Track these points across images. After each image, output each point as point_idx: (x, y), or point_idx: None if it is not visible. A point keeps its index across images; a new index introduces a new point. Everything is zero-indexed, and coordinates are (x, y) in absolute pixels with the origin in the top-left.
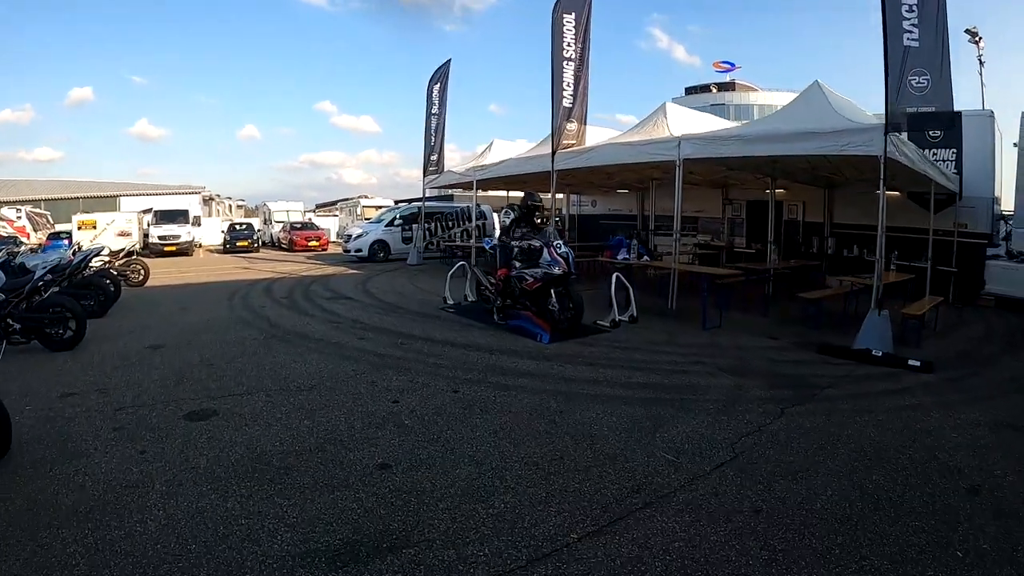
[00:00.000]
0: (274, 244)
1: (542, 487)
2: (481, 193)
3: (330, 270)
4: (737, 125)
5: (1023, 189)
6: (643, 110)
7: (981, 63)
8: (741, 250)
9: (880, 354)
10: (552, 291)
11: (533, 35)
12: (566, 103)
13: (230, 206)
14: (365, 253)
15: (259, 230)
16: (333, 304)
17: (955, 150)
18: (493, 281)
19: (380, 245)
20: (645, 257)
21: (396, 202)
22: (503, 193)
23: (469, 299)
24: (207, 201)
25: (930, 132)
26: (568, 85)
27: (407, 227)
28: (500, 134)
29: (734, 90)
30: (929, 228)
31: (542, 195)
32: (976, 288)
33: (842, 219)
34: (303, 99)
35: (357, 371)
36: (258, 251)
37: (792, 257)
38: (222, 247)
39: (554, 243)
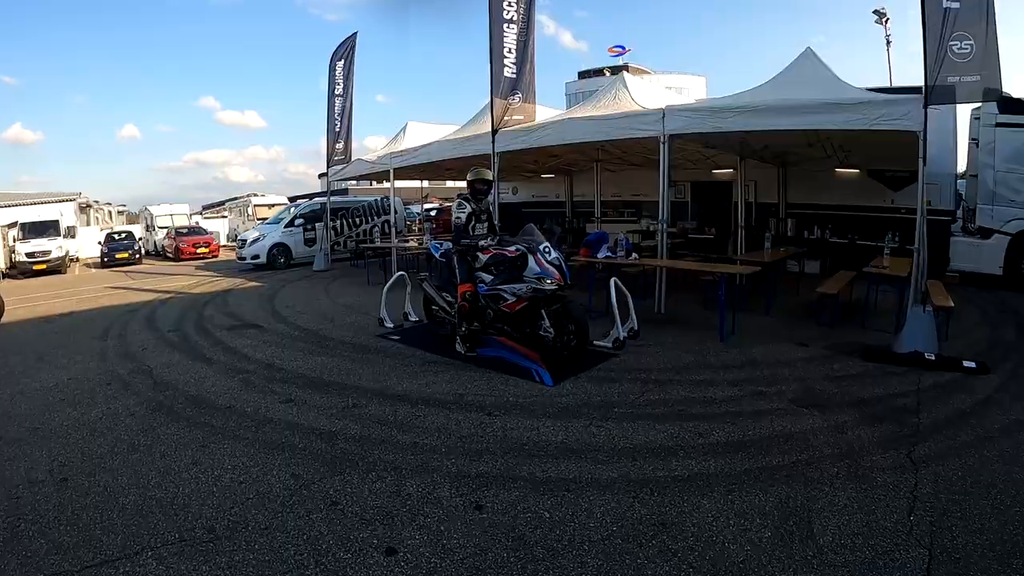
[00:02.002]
0: (159, 253)
1: None
2: (387, 185)
3: (225, 283)
4: (694, 101)
5: (987, 165)
6: (538, 96)
7: (888, 42)
8: (697, 236)
9: (933, 357)
10: (543, 311)
11: (428, 22)
12: (508, 73)
13: (110, 212)
14: (263, 260)
15: (141, 238)
16: (237, 338)
17: None
18: (450, 299)
19: (280, 249)
20: (634, 255)
21: (291, 199)
22: (416, 184)
23: (411, 317)
24: (84, 208)
25: None
26: (510, 52)
27: (309, 227)
28: (392, 125)
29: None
30: (920, 208)
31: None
32: (942, 265)
33: (796, 199)
34: (184, 95)
35: (300, 478)
36: (140, 263)
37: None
38: (100, 260)
39: (541, 247)
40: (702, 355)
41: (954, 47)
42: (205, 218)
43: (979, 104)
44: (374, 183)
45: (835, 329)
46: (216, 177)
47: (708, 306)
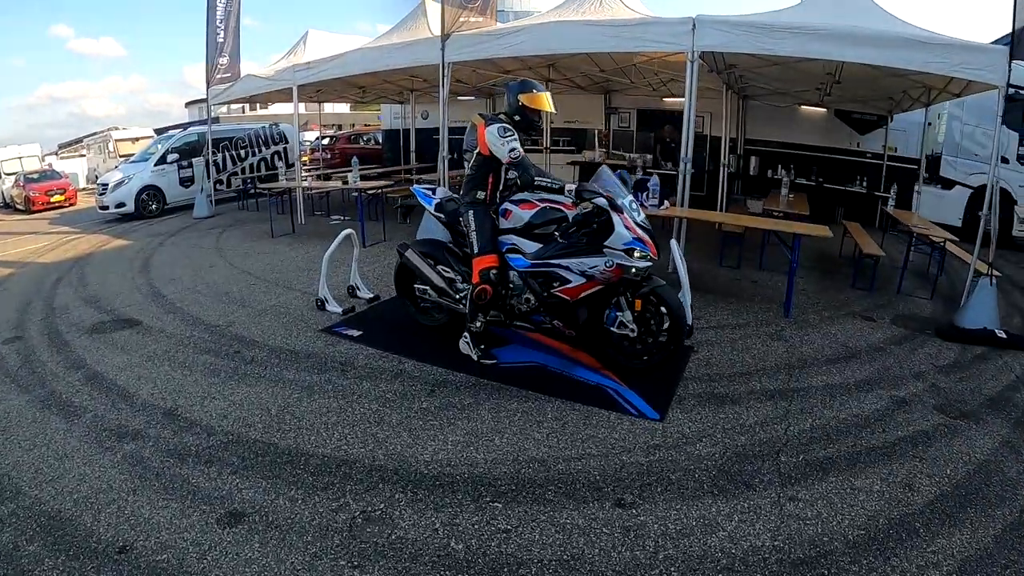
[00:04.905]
0: (7, 205)
1: None
2: (265, 111)
3: (85, 245)
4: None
5: (955, 117)
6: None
7: None
8: (656, 172)
9: (1004, 335)
10: (622, 299)
11: None
12: None
13: None
14: (131, 207)
15: None
16: (106, 350)
17: None
18: (450, 275)
19: (151, 193)
20: (665, 204)
21: (158, 131)
22: (303, 109)
23: (360, 293)
24: None
25: None
26: None
27: (185, 163)
28: (262, 54)
29: None
30: (992, 171)
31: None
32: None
33: (753, 135)
34: (34, 23)
35: None
36: None
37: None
38: None
39: (627, 202)
40: (788, 342)
41: None
42: (61, 159)
43: None
44: (247, 109)
45: (874, 294)
46: (72, 112)
47: (724, 263)
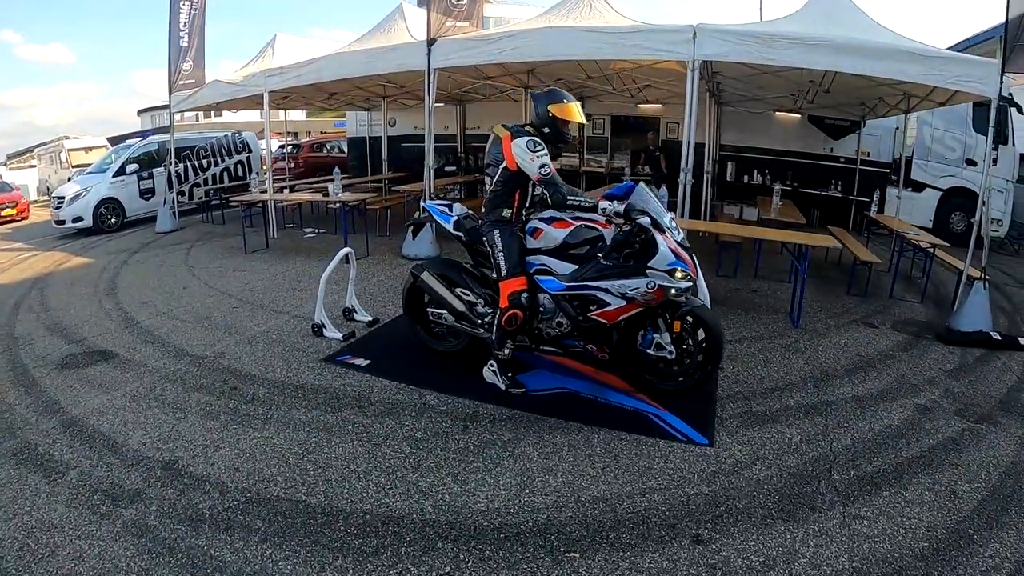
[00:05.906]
0: None
1: None
2: (219, 119)
3: (43, 263)
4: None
5: (925, 122)
6: (362, 24)
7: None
8: (635, 178)
9: (999, 336)
10: (661, 321)
11: None
12: None
13: None
14: (89, 221)
15: None
16: (81, 388)
17: None
18: (470, 298)
19: (110, 206)
20: (671, 215)
21: (111, 140)
22: (252, 117)
23: (358, 316)
24: None
25: None
26: None
27: (145, 174)
28: (211, 59)
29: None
30: (984, 179)
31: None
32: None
33: (727, 140)
34: None
35: None
36: None
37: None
38: None
39: (667, 220)
40: (805, 353)
41: None
42: (10, 170)
43: None
44: (200, 117)
45: (869, 300)
46: (21, 122)
47: (720, 272)
